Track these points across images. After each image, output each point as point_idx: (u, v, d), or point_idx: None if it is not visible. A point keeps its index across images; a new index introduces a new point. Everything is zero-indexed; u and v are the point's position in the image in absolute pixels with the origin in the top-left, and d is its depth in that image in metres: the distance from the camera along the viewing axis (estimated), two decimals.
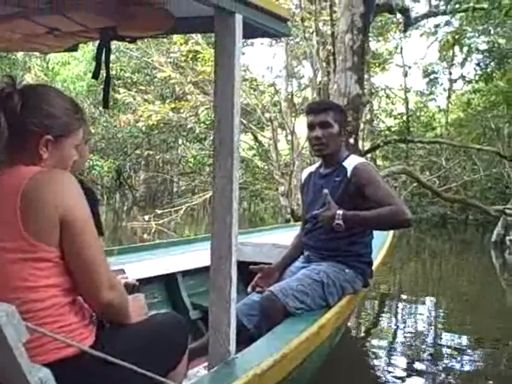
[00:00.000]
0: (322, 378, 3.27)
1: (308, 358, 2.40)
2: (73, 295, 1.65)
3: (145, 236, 11.80)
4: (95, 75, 2.40)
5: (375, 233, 3.22)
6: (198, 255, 3.89)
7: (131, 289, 2.03)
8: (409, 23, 10.99)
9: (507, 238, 12.05)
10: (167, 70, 15.05)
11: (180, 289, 3.83)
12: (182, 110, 15.67)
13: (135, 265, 3.53)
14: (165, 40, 15.06)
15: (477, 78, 14.11)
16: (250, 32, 2.09)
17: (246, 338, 2.43)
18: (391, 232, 4.54)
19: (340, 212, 2.79)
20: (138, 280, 3.39)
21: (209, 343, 2.00)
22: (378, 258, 3.72)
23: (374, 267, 3.22)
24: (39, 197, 1.56)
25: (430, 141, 14.06)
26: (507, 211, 11.01)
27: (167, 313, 2.30)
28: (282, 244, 4.18)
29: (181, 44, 14.52)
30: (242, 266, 4.33)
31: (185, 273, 3.89)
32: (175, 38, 14.19)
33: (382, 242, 4.11)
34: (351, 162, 2.97)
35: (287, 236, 4.50)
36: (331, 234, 2.92)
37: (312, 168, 3.28)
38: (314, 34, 13.88)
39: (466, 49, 14.44)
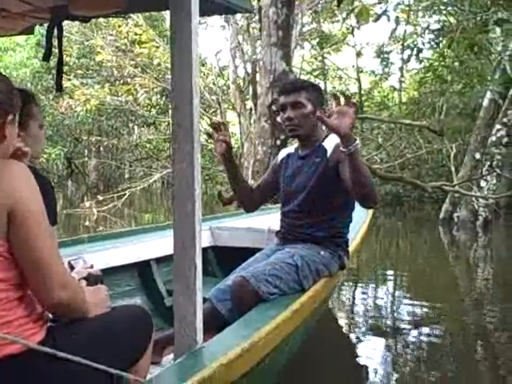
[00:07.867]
0: (302, 361, 3.24)
1: (281, 345, 2.33)
2: (23, 290, 1.54)
3: (86, 223, 11.44)
4: (46, 57, 2.28)
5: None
6: (172, 241, 3.77)
7: (94, 280, 1.92)
8: None
9: (455, 214, 12.14)
10: (104, 53, 14.76)
11: (154, 276, 3.75)
12: (120, 94, 15.39)
13: (107, 252, 3.42)
14: (104, 24, 14.75)
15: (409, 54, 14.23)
16: (209, 8, 2.00)
17: (220, 324, 2.36)
18: (370, 211, 4.50)
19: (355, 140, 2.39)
20: (110, 268, 3.30)
21: (174, 334, 1.93)
22: (355, 238, 3.64)
23: (351, 248, 3.15)
24: None
25: (359, 117, 14.13)
26: (444, 187, 11.05)
27: (130, 305, 2.21)
28: (257, 228, 4.19)
29: (119, 26, 14.24)
30: (219, 250, 4.31)
31: (159, 259, 3.80)
32: (114, 20, 13.88)
33: (359, 222, 4.03)
34: (331, 142, 2.84)
35: (261, 220, 4.49)
36: (307, 215, 2.90)
37: (291, 149, 3.18)
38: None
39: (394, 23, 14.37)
